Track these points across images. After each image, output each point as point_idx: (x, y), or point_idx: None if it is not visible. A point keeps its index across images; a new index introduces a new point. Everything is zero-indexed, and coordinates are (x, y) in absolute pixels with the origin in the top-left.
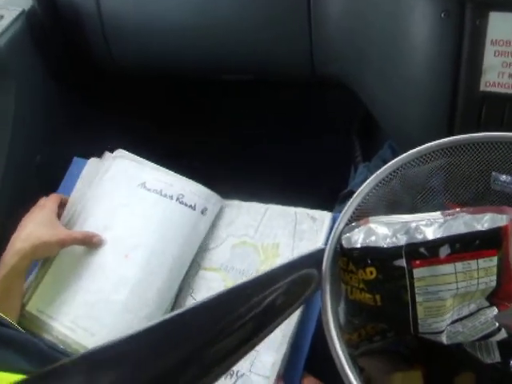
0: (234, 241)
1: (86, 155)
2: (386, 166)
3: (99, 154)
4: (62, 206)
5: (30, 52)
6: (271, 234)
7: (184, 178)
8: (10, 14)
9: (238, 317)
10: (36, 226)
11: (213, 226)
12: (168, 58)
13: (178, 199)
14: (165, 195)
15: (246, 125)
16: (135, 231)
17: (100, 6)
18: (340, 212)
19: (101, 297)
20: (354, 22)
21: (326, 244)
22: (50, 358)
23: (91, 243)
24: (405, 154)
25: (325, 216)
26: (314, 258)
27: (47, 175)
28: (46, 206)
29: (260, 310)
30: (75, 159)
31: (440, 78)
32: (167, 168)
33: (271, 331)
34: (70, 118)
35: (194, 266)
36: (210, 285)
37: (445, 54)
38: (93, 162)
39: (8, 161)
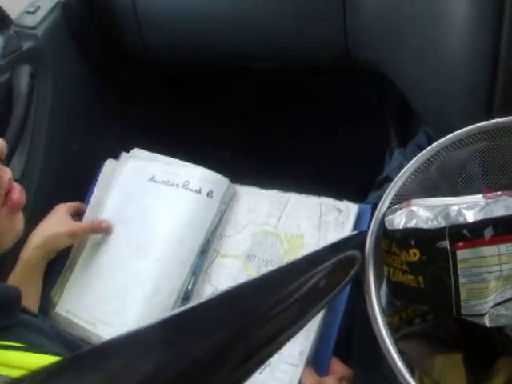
0: (255, 229)
1: (120, 144)
2: (426, 149)
3: (131, 144)
4: (78, 214)
5: (65, 42)
6: (294, 224)
7: (191, 165)
8: (47, 4)
9: (286, 297)
10: (48, 223)
11: (230, 212)
12: (199, 45)
13: (184, 186)
14: (172, 184)
15: (277, 113)
16: (144, 222)
17: None
18: (376, 198)
19: (119, 291)
20: (388, 5)
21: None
22: (75, 345)
23: (100, 229)
24: (445, 137)
25: (351, 208)
26: (357, 240)
27: (83, 163)
28: (59, 208)
29: (306, 291)
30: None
31: (479, 57)
32: (193, 161)
33: (315, 314)
34: (105, 107)
35: (212, 253)
36: (230, 272)
37: (484, 31)
38: (109, 164)
39: (46, 149)
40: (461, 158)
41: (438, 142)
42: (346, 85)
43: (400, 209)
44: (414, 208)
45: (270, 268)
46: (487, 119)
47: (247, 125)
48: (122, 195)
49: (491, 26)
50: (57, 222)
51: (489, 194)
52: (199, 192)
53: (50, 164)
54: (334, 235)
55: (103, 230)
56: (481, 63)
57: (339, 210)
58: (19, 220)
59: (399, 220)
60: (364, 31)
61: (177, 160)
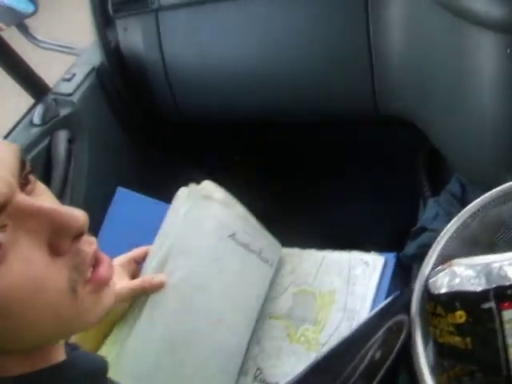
0: (295, 289)
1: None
2: (465, 209)
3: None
4: (136, 261)
5: (101, 107)
6: (328, 281)
7: (264, 230)
8: (82, 71)
9: (347, 378)
10: None
11: (276, 275)
12: (230, 105)
13: (259, 254)
14: (250, 250)
15: (309, 167)
16: (224, 290)
17: (164, 58)
18: (413, 248)
19: (200, 368)
20: (417, 59)
21: (378, 286)
22: None
23: (152, 287)
24: (484, 196)
25: (377, 260)
26: (401, 304)
27: None
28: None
29: (365, 367)
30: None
31: (508, 114)
32: None
33: None
34: (140, 168)
35: (260, 315)
36: (273, 334)
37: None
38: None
39: (84, 211)
40: (500, 213)
41: (476, 200)
42: (376, 136)
43: (443, 270)
44: (456, 268)
45: (307, 326)
46: None
47: (279, 179)
48: (199, 247)
49: None
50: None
51: None
52: (270, 264)
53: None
54: (360, 289)
55: (155, 288)
56: (509, 121)
57: (366, 263)
58: (108, 295)
59: (442, 281)
60: (392, 89)
61: (249, 214)
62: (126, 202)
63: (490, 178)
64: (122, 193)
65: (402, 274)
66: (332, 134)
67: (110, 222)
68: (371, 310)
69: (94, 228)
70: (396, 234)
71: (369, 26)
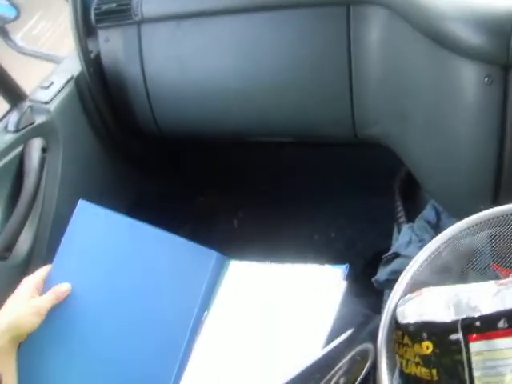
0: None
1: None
2: (437, 237)
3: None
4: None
5: (77, 117)
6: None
7: None
8: (60, 79)
9: None
10: (11, 303)
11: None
12: (209, 122)
13: None
14: None
15: (283, 186)
16: None
17: (145, 71)
18: (386, 273)
19: None
20: (395, 84)
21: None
22: None
23: (63, 294)
24: (456, 225)
25: (335, 271)
26: (369, 332)
27: None
28: (24, 283)
29: None
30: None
31: (484, 143)
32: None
33: None
34: (114, 180)
35: None
36: None
37: (489, 118)
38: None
39: (54, 224)
40: (472, 242)
41: (449, 229)
42: (351, 158)
43: (411, 298)
44: (426, 297)
45: None
46: (494, 200)
47: (254, 195)
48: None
49: (496, 114)
50: (21, 301)
51: (500, 281)
52: None
53: (59, 237)
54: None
55: (64, 295)
56: (486, 149)
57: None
58: None
59: (411, 310)
60: (371, 113)
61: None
62: (88, 215)
63: (464, 207)
64: (83, 206)
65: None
66: (308, 155)
67: (70, 236)
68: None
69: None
70: (370, 259)
71: (350, 50)
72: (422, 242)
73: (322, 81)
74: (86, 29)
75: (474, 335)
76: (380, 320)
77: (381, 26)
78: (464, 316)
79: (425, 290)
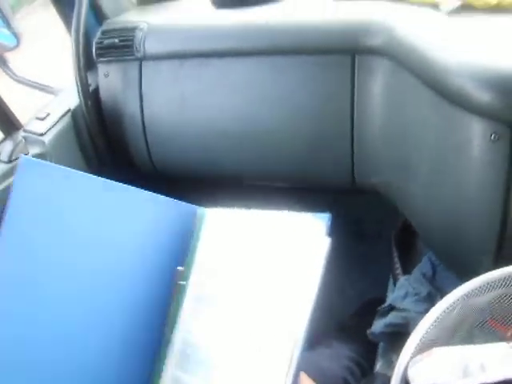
0: None
1: None
2: (447, 297)
3: None
4: None
5: (72, 149)
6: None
7: None
8: (57, 111)
9: None
10: None
11: None
12: (207, 163)
13: None
14: None
15: None
16: None
17: (143, 110)
18: (380, 326)
19: None
20: (398, 136)
21: None
22: None
23: None
24: (466, 284)
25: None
26: None
27: None
28: None
29: None
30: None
31: (489, 199)
32: None
33: None
34: None
35: None
36: None
37: (495, 175)
38: None
39: None
40: (481, 302)
41: (458, 289)
42: (349, 207)
43: (421, 360)
44: (436, 358)
45: None
46: (496, 258)
47: None
48: None
49: (502, 171)
50: None
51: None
52: None
53: None
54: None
55: None
56: (491, 207)
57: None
58: None
59: (422, 373)
60: (370, 162)
61: None
62: (33, 173)
63: (464, 262)
64: (26, 162)
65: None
66: (301, 199)
67: (15, 201)
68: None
69: None
70: (364, 310)
71: (353, 99)
72: (418, 296)
73: (323, 129)
74: (87, 62)
75: None
76: (387, 379)
77: (386, 77)
78: (477, 382)
79: (435, 350)
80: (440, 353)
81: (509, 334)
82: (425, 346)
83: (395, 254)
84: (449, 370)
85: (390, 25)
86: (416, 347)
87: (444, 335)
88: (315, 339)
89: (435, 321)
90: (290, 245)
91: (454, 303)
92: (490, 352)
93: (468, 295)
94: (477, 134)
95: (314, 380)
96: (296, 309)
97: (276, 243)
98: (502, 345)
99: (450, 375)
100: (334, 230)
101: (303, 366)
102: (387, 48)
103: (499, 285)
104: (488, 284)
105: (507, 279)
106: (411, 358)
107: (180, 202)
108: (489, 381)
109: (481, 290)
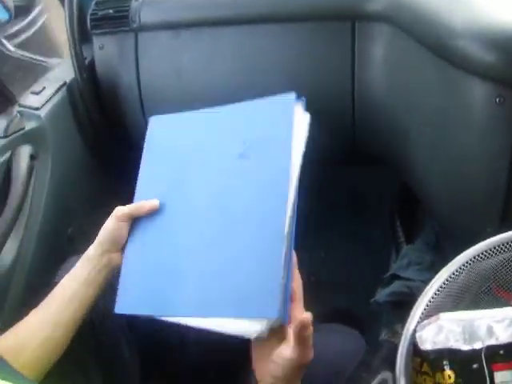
0: None
1: None
2: (452, 262)
3: None
4: None
5: (69, 123)
6: None
7: None
8: (52, 85)
9: None
10: None
11: None
12: None
13: None
14: None
15: None
16: None
17: (140, 81)
18: (384, 295)
19: None
20: (401, 102)
21: None
22: None
23: (145, 207)
24: (471, 249)
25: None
26: (387, 360)
27: (80, 246)
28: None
29: None
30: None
31: (493, 164)
32: None
33: None
34: (103, 190)
35: None
36: None
37: (499, 139)
38: None
39: (40, 232)
40: (487, 267)
41: (463, 254)
42: (350, 178)
43: (429, 324)
44: (444, 323)
45: None
46: (501, 223)
47: None
48: None
49: (506, 134)
50: None
51: None
52: None
53: (44, 248)
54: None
55: (148, 208)
56: (496, 170)
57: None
58: None
59: (430, 336)
60: (372, 126)
61: None
62: (161, 125)
63: (468, 228)
64: (154, 120)
65: None
66: (305, 175)
67: (149, 150)
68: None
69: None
70: (369, 280)
71: (354, 65)
72: (422, 265)
73: (323, 96)
74: (81, 34)
75: (499, 364)
76: (395, 346)
77: (387, 44)
78: (487, 344)
79: (442, 315)
80: (447, 317)
81: None
82: (432, 312)
83: (398, 223)
84: (457, 334)
85: None
86: (423, 312)
87: (450, 301)
88: None
89: (441, 286)
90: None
91: (459, 268)
92: (496, 316)
93: (473, 260)
94: (481, 97)
95: None
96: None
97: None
98: (509, 309)
99: (459, 339)
100: (335, 203)
101: None
102: (388, 13)
103: (504, 249)
104: (493, 248)
105: (510, 243)
106: (419, 322)
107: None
108: (497, 343)
109: (486, 254)
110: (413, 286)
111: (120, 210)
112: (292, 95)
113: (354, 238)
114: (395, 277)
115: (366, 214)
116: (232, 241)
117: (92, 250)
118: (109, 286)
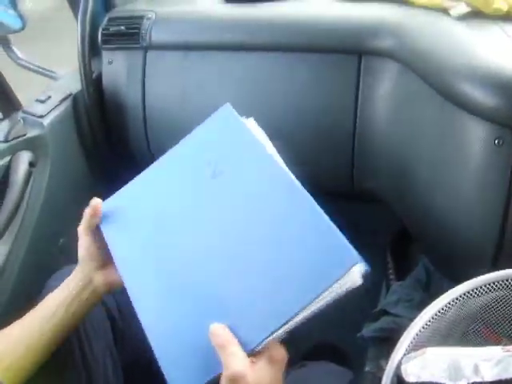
0: None
1: None
2: (443, 296)
3: None
4: None
5: (70, 135)
6: None
7: None
8: (58, 95)
9: None
10: None
11: None
12: None
13: None
14: None
15: None
16: None
17: (145, 98)
18: (371, 331)
19: None
20: (401, 139)
21: None
22: None
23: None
24: (462, 285)
25: None
26: None
27: (68, 259)
28: None
29: None
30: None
31: (489, 205)
32: None
33: None
34: None
35: None
36: None
37: (496, 180)
38: None
39: (32, 240)
40: (475, 305)
41: (455, 289)
42: (345, 213)
43: (414, 357)
44: (429, 357)
45: None
46: (493, 266)
47: None
48: None
49: (503, 178)
50: None
51: (507, 347)
52: None
53: (35, 256)
54: None
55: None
56: (491, 212)
57: None
58: None
59: (415, 370)
60: (371, 164)
61: None
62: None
63: (460, 270)
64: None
65: None
66: None
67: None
68: None
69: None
70: (356, 315)
71: (357, 99)
72: (411, 302)
73: (325, 128)
74: (91, 48)
75: None
76: (377, 378)
77: (391, 79)
78: (470, 382)
79: (428, 349)
80: (434, 352)
81: (502, 344)
82: (418, 346)
83: (389, 259)
84: (442, 370)
85: (398, 28)
86: (409, 345)
87: (437, 337)
88: None
89: (430, 320)
90: None
91: (449, 303)
92: (483, 354)
93: (463, 297)
94: (480, 137)
95: None
96: None
97: None
98: (496, 348)
99: (443, 375)
100: None
101: None
102: (395, 50)
103: (492, 288)
104: (483, 286)
105: (501, 282)
106: (405, 354)
107: None
108: (479, 380)
109: (476, 292)
110: (401, 323)
111: (80, 226)
112: (227, 105)
113: None
114: (384, 312)
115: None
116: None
117: (72, 275)
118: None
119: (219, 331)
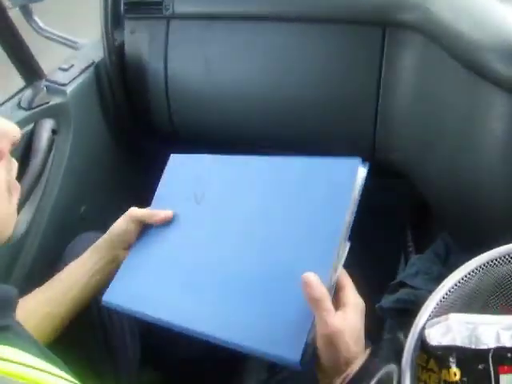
0: None
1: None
2: (467, 263)
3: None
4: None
5: (93, 103)
6: None
7: None
8: (80, 63)
9: None
10: None
11: None
12: (227, 126)
13: None
14: None
15: None
16: None
17: (167, 68)
18: (390, 302)
19: None
20: (424, 111)
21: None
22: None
23: (160, 215)
24: (487, 253)
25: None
26: (394, 352)
27: (88, 226)
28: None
29: None
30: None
31: (509, 179)
32: None
33: None
34: (119, 175)
35: None
36: None
37: None
38: None
39: (54, 207)
40: (499, 273)
41: (479, 256)
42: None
43: (438, 322)
44: (453, 322)
45: None
46: None
47: None
48: None
49: None
50: None
51: None
52: None
53: (56, 223)
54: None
55: (161, 220)
56: None
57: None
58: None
59: (438, 334)
60: (393, 137)
61: None
62: (181, 163)
63: (480, 242)
64: (174, 158)
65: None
66: None
67: (167, 182)
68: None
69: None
70: (376, 285)
71: (381, 71)
72: (430, 275)
73: (348, 100)
74: (114, 17)
75: (506, 367)
76: (403, 340)
77: (415, 52)
78: (495, 346)
79: (451, 315)
80: (456, 319)
81: None
82: (442, 311)
83: (409, 233)
84: (464, 336)
85: (424, 1)
86: (433, 310)
87: (461, 303)
88: None
89: (453, 287)
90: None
91: (472, 272)
92: (504, 322)
93: (486, 265)
94: (505, 109)
95: None
96: None
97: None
98: None
99: (466, 340)
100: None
101: None
102: (420, 23)
103: None
104: (506, 255)
105: None
106: (428, 320)
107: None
108: (507, 346)
109: (498, 261)
110: (419, 295)
111: (133, 212)
112: (357, 160)
113: (362, 243)
114: (402, 284)
115: (377, 222)
116: (265, 271)
117: (101, 242)
118: None
119: (314, 282)
